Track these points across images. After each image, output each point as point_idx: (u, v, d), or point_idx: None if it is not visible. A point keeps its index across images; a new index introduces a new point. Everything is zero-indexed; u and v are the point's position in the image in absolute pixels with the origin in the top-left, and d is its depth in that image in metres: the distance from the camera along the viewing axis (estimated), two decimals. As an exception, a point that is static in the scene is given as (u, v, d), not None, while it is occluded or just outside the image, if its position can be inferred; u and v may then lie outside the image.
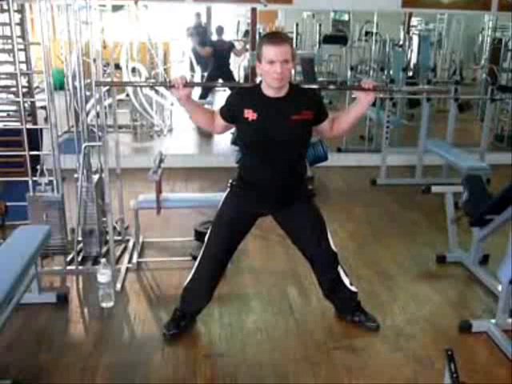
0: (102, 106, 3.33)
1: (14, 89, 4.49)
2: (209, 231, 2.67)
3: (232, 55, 7.78)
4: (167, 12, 7.91)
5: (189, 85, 2.42)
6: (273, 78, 2.31)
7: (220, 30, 7.64)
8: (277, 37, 2.35)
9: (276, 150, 2.44)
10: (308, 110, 2.43)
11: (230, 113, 2.48)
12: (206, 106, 7.48)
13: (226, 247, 2.67)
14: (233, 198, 2.63)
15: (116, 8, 6.10)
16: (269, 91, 2.40)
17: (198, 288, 2.71)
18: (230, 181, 2.65)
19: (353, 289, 2.83)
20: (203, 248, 2.67)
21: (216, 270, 2.69)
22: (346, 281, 2.80)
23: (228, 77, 7.22)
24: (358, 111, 2.52)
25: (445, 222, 3.74)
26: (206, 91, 7.56)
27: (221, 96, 8.00)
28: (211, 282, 2.71)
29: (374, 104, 6.82)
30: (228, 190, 2.66)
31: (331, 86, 2.61)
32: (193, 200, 3.77)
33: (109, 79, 4.10)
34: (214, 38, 7.64)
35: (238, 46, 7.82)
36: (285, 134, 2.42)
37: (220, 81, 7.54)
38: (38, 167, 3.18)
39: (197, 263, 2.70)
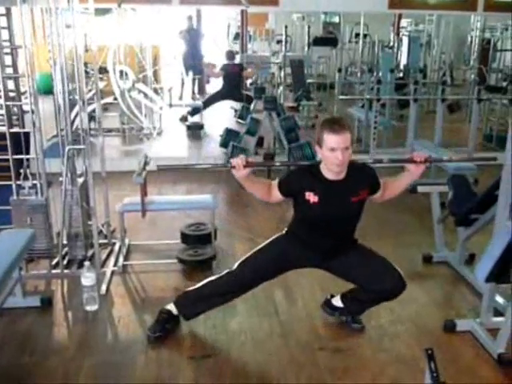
0: (86, 110, 3.31)
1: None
2: (245, 258, 2.68)
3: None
4: (157, 15, 7.93)
5: (249, 165, 2.42)
6: (334, 164, 2.36)
7: (231, 55, 7.72)
8: (338, 124, 2.37)
9: (335, 227, 2.54)
10: (365, 189, 2.51)
11: (290, 191, 2.53)
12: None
13: (256, 281, 2.71)
14: (283, 243, 2.66)
15: (103, 11, 6.13)
16: (329, 174, 2.44)
17: (205, 300, 2.73)
18: (286, 229, 2.69)
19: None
20: (235, 270, 2.66)
21: (234, 295, 2.74)
22: None
23: (240, 98, 7.29)
24: (408, 181, 2.61)
25: (432, 223, 3.75)
26: (209, 104, 7.62)
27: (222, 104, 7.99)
28: (218, 303, 2.75)
29: (362, 105, 6.87)
30: (282, 233, 2.69)
31: (385, 160, 2.67)
32: (178, 202, 3.76)
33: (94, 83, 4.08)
34: (225, 61, 7.70)
35: (249, 68, 7.89)
36: (344, 214, 2.52)
37: (231, 102, 7.80)
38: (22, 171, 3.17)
39: (217, 278, 2.71)
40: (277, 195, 2.55)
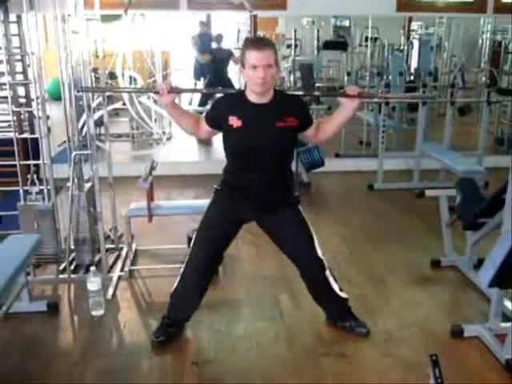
0: (92, 116, 3.34)
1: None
2: (193, 237, 2.67)
3: (231, 63, 7.80)
4: (167, 20, 7.97)
5: (173, 91, 2.43)
6: (255, 83, 2.32)
7: (219, 38, 7.66)
8: (259, 42, 2.38)
9: (260, 157, 2.45)
10: (293, 117, 2.43)
11: (215, 119, 2.49)
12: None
13: (212, 252, 2.66)
14: (217, 204, 2.64)
15: (113, 18, 6.17)
16: (253, 97, 2.40)
17: (185, 295, 2.70)
18: (215, 186, 2.65)
19: (342, 295, 2.81)
20: (189, 254, 2.66)
21: (202, 276, 2.67)
22: (335, 287, 2.77)
23: (226, 84, 7.23)
24: (342, 117, 2.51)
25: (440, 226, 3.71)
26: (206, 99, 7.58)
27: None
28: (198, 288, 2.68)
29: (372, 109, 6.84)
30: (213, 195, 2.66)
31: (316, 93, 2.63)
32: (184, 207, 3.76)
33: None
34: (214, 45, 7.64)
35: (237, 54, 7.82)
36: (269, 141, 2.42)
37: (220, 88, 7.57)
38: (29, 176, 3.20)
39: (182, 269, 2.68)
40: (205, 127, 2.52)
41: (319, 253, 2.69)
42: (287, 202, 2.64)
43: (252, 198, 2.56)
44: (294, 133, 2.49)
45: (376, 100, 5.67)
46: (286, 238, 2.67)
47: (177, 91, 2.50)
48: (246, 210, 2.61)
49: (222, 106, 2.50)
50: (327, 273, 2.73)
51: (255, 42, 2.38)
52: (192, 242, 2.67)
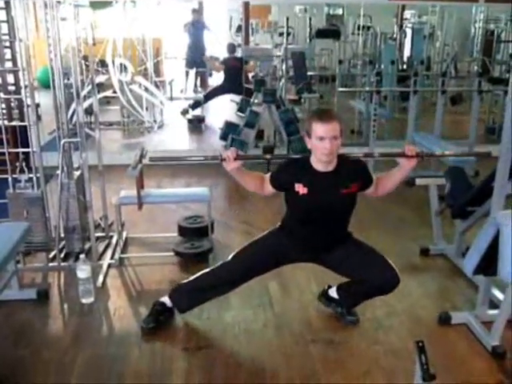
0: (82, 104, 3.32)
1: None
2: (237, 251, 2.70)
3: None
4: (160, 8, 7.91)
5: (239, 158, 2.44)
6: (322, 154, 2.37)
7: (232, 48, 7.68)
8: (327, 114, 2.41)
9: (324, 220, 2.54)
10: (356, 182, 2.50)
11: (281, 184, 2.54)
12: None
13: (245, 273, 2.70)
14: (277, 237, 2.67)
15: (104, 5, 6.12)
16: (318, 165, 2.45)
17: (198, 293, 2.75)
18: (279, 223, 2.69)
19: None
20: (226, 263, 2.68)
21: (223, 289, 2.75)
22: None
23: (240, 92, 7.25)
24: (401, 176, 2.57)
25: (430, 215, 3.73)
26: (210, 97, 7.61)
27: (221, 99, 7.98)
28: (212, 295, 2.76)
29: (364, 98, 6.84)
30: (276, 228, 2.70)
31: (375, 154, 2.69)
32: (174, 195, 3.77)
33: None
34: (226, 54, 7.69)
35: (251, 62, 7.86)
36: (334, 207, 2.51)
37: (231, 96, 7.67)
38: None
39: (209, 270, 2.73)
40: (269, 188, 2.57)
41: (394, 265, 2.62)
42: (342, 241, 2.67)
43: (310, 246, 2.62)
44: (356, 195, 2.55)
45: (367, 88, 5.66)
46: (352, 261, 2.63)
47: (242, 158, 2.49)
48: (301, 254, 2.66)
49: (289, 172, 2.53)
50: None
51: (323, 114, 2.41)
52: (234, 253, 2.70)
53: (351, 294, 2.81)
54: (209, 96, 7.59)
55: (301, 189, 2.45)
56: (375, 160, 4.60)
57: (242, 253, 2.68)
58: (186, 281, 2.78)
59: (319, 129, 2.34)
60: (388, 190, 2.65)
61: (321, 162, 2.42)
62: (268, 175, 2.57)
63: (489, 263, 2.46)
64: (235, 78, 7.39)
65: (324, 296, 2.96)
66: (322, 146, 2.34)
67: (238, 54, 7.79)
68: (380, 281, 2.60)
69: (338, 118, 2.40)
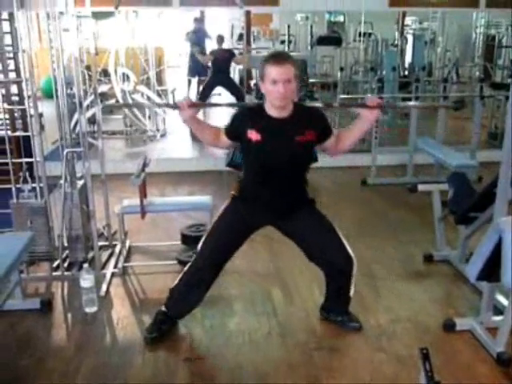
0: (84, 113, 3.34)
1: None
2: (204, 238, 2.67)
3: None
4: (161, 17, 7.97)
5: (193, 106, 2.45)
6: (275, 98, 2.34)
7: (220, 39, 7.68)
8: (280, 56, 2.37)
9: (279, 170, 2.48)
10: (312, 130, 2.45)
11: (235, 132, 2.51)
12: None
13: (220, 255, 2.66)
14: (233, 209, 2.64)
15: (106, 15, 6.16)
16: (272, 111, 2.42)
17: (187, 293, 2.71)
18: (232, 192, 2.66)
19: (351, 294, 2.82)
20: (198, 254, 2.66)
21: (208, 278, 2.68)
22: (352, 288, 2.78)
23: (228, 84, 7.24)
24: (362, 128, 2.52)
25: (433, 221, 3.72)
26: (204, 97, 7.60)
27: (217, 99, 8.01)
28: (201, 289, 2.70)
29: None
30: (229, 200, 2.67)
31: (335, 104, 2.64)
32: (177, 204, 3.77)
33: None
34: (215, 46, 7.66)
35: (239, 54, 7.83)
36: (288, 155, 2.45)
37: (220, 88, 7.60)
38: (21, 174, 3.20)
39: (188, 267, 2.69)
40: (224, 140, 2.54)
41: (348, 247, 2.67)
42: (303, 204, 2.65)
43: (269, 207, 2.58)
44: (313, 145, 2.51)
45: (369, 95, 5.66)
46: (310, 236, 2.65)
47: (196, 106, 2.50)
48: (262, 218, 2.64)
49: (242, 119, 2.50)
50: (355, 269, 2.71)
51: (275, 56, 2.38)
52: (201, 241, 2.66)
53: (333, 298, 2.84)
54: (202, 96, 7.52)
55: (254, 135, 2.40)
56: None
57: (207, 239, 2.64)
58: (173, 285, 2.74)
59: (272, 72, 2.29)
60: (349, 145, 2.58)
61: (274, 107, 2.38)
62: (223, 126, 2.54)
63: (492, 269, 2.45)
64: (224, 70, 7.34)
65: (322, 308, 2.95)
66: (276, 89, 2.29)
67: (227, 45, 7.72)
68: (337, 266, 2.66)
69: (293, 61, 2.35)
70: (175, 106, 2.44)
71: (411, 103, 3.47)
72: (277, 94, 2.30)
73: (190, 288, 2.69)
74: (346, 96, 6.17)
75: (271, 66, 2.30)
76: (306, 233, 2.64)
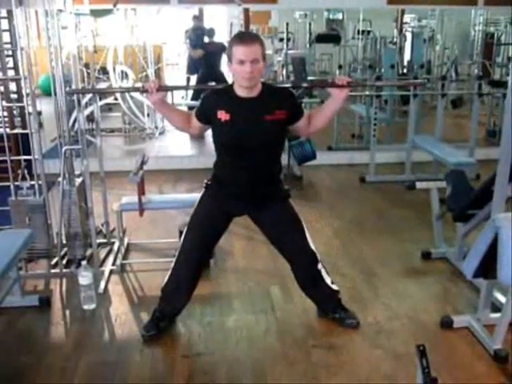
0: (83, 111, 3.34)
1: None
2: (184, 231, 2.68)
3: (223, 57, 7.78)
4: (160, 15, 7.95)
5: (162, 89, 2.44)
6: (243, 78, 2.32)
7: (211, 32, 7.64)
8: (246, 36, 2.37)
9: (250, 151, 2.45)
10: (281, 110, 2.43)
11: (204, 114, 2.49)
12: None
13: (203, 246, 2.67)
14: (207, 198, 2.65)
15: (104, 12, 6.15)
16: (241, 91, 2.41)
17: (176, 289, 2.71)
18: (205, 181, 2.66)
19: (334, 287, 2.83)
20: (179, 249, 2.67)
21: (193, 270, 2.68)
22: (328, 279, 2.80)
23: (219, 78, 7.20)
24: (332, 107, 2.52)
25: (431, 218, 3.73)
26: (199, 93, 7.56)
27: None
28: (189, 282, 2.69)
29: (365, 102, 6.85)
30: (203, 189, 2.67)
31: (304, 84, 2.62)
32: (175, 201, 3.77)
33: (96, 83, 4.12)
34: (206, 40, 7.62)
35: None
36: (258, 135, 2.43)
37: (213, 83, 7.54)
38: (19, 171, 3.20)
39: (173, 264, 2.70)
40: (195, 124, 2.53)
41: (311, 246, 2.71)
42: (277, 195, 2.65)
43: (242, 193, 2.57)
44: (284, 125, 2.49)
45: (367, 93, 5.66)
46: (277, 232, 2.69)
47: (165, 89, 2.50)
48: (236, 205, 2.62)
49: (211, 100, 2.49)
50: (319, 266, 2.76)
51: (242, 36, 2.37)
52: (183, 236, 2.68)
53: (320, 298, 2.87)
54: (195, 95, 7.49)
55: (223, 116, 2.39)
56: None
57: (186, 234, 2.65)
58: (163, 285, 2.75)
59: (239, 51, 2.27)
60: (321, 125, 2.58)
61: (242, 87, 2.37)
62: (194, 111, 2.54)
63: (488, 266, 2.45)
64: (215, 64, 7.30)
65: (318, 312, 2.95)
66: (243, 69, 2.28)
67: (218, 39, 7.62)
68: (302, 265, 2.75)
69: (260, 41, 2.34)
70: (143, 90, 2.43)
71: (380, 83, 3.47)
72: (244, 75, 2.29)
73: (178, 284, 2.69)
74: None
75: (238, 46, 2.29)
76: (273, 229, 2.70)
